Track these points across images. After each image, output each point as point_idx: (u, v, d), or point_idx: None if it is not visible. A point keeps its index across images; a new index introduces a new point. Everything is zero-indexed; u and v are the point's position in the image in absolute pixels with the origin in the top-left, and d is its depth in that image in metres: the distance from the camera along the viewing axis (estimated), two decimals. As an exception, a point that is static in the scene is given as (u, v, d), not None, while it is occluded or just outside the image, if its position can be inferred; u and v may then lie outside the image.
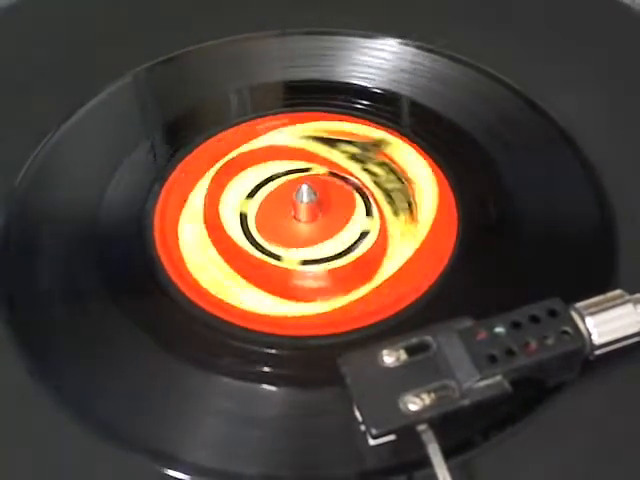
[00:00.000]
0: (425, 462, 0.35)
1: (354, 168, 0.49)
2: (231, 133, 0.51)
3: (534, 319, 0.38)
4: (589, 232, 0.45)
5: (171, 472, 0.37)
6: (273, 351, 0.41)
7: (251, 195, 0.48)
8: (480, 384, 0.36)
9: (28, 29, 0.57)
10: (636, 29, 0.55)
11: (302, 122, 0.51)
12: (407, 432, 0.36)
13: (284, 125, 0.51)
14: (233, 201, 0.48)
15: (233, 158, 0.49)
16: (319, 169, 0.49)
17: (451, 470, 0.35)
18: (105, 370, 0.41)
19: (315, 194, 0.46)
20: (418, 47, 0.53)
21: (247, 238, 0.46)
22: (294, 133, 0.51)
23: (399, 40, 0.54)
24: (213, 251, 0.45)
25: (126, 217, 0.47)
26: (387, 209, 0.47)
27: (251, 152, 0.50)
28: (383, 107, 0.51)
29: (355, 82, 0.53)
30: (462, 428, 0.37)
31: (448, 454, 0.35)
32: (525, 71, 0.52)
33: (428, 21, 0.56)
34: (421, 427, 0.36)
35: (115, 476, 0.38)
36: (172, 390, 0.40)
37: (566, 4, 0.57)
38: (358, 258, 0.45)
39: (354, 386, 0.37)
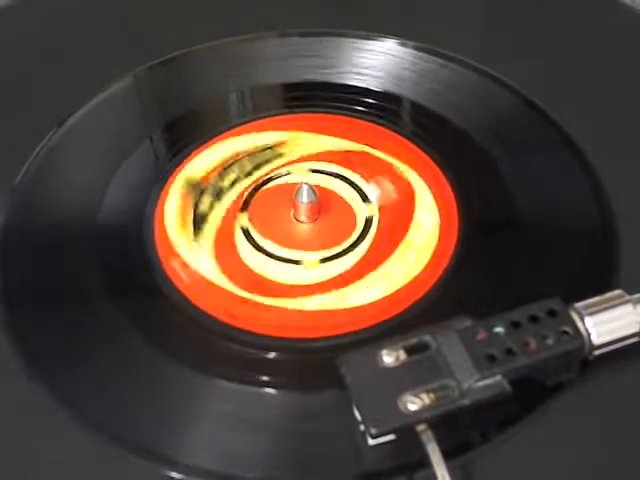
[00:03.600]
0: (425, 462, 0.35)
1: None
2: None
3: (533, 319, 0.38)
4: (589, 232, 0.45)
5: (170, 473, 0.37)
6: (272, 353, 0.41)
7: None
8: (479, 384, 0.36)
9: (28, 29, 0.57)
10: (636, 29, 0.55)
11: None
12: (406, 432, 0.36)
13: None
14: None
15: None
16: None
17: (450, 470, 0.35)
18: (104, 371, 0.41)
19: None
20: (417, 48, 0.53)
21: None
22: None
23: (398, 41, 0.54)
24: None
25: (126, 217, 0.47)
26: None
27: None
28: (383, 107, 0.51)
29: (355, 83, 0.53)
30: (461, 428, 0.37)
31: (447, 454, 0.35)
32: (525, 71, 0.52)
33: (427, 21, 0.56)
34: (420, 427, 0.36)
35: (113, 477, 0.38)
36: (171, 392, 0.40)
37: (566, 4, 0.57)
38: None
39: (353, 386, 0.37)
